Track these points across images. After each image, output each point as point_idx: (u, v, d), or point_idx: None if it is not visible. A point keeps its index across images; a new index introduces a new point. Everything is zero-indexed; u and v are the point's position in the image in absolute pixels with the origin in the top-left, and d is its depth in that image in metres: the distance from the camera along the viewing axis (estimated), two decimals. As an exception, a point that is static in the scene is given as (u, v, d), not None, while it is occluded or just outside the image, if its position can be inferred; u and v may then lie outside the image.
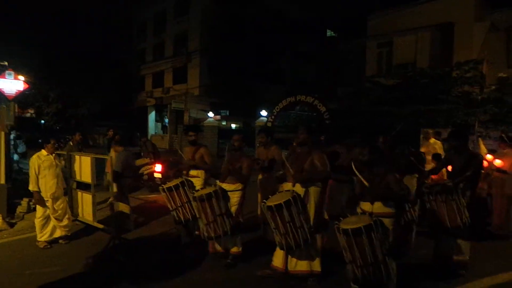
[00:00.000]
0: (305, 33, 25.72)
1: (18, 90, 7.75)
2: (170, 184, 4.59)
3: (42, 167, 5.12)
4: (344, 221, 3.18)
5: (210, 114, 21.91)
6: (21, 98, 16.78)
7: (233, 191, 4.41)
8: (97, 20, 25.85)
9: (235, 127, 25.60)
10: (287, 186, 3.99)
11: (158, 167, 9.31)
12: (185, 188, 4.57)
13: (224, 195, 4.22)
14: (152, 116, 29.50)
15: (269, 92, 22.18)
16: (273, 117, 17.06)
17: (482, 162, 4.64)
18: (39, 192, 5.11)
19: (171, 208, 4.67)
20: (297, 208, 3.53)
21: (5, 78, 7.60)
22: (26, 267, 4.35)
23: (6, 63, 8.68)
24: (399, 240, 3.28)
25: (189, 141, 5.30)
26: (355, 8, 21.98)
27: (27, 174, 5.86)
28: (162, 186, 4.65)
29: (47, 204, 5.14)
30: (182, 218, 4.60)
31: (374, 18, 18.06)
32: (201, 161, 5.15)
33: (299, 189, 3.84)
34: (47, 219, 5.17)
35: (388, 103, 13.12)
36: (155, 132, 28.74)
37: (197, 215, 4.26)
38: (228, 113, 25.97)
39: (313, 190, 3.90)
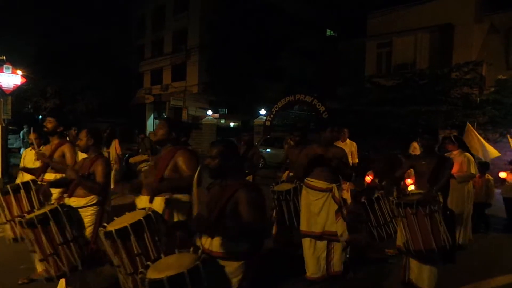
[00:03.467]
0: (305, 32, 25.70)
1: (16, 85, 7.72)
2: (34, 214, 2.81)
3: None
4: (155, 266, 2.02)
5: (209, 112, 21.87)
6: (18, 93, 16.73)
7: (85, 207, 3.19)
8: (95, 14, 25.70)
9: (234, 126, 25.58)
10: (142, 201, 2.88)
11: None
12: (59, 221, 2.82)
13: (70, 215, 2.98)
14: (150, 113, 29.43)
15: (268, 90, 22.15)
16: (272, 116, 17.05)
17: (453, 166, 4.01)
18: None
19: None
20: (152, 233, 2.44)
21: (3, 72, 7.56)
22: (21, 262, 4.30)
23: (4, 57, 8.63)
24: None
25: (46, 132, 4.06)
26: (354, 8, 21.93)
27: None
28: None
29: None
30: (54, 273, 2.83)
31: (374, 18, 18.05)
32: (62, 163, 3.81)
33: (157, 204, 2.76)
34: None
35: (387, 103, 13.14)
36: (153, 129, 28.68)
37: (29, 248, 2.89)
38: (226, 111, 25.95)
39: (177, 204, 2.83)
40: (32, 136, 4.57)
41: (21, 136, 14.67)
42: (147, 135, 19.84)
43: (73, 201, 3.22)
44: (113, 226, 2.45)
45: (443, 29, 15.56)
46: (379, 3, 17.83)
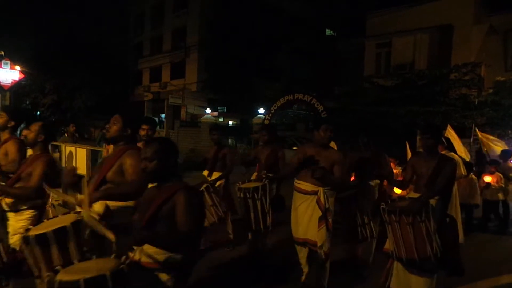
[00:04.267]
0: (304, 31, 25.69)
1: (14, 80, 7.69)
2: None
3: None
4: (66, 269, 1.73)
5: (208, 110, 21.88)
6: (17, 89, 16.70)
7: (20, 211, 2.87)
8: (94, 11, 25.69)
9: (232, 124, 25.58)
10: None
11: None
12: None
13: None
14: (149, 111, 29.41)
15: (266, 89, 22.17)
16: (270, 114, 17.07)
17: (455, 169, 3.62)
18: None
19: None
20: (80, 243, 2.09)
21: (1, 68, 7.52)
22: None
23: (2, 53, 8.59)
24: None
25: None
26: (354, 8, 21.95)
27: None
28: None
29: None
30: None
31: (373, 18, 18.06)
32: (4, 158, 3.32)
33: (97, 206, 2.38)
34: None
35: (386, 103, 13.16)
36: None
37: None
38: (225, 110, 25.95)
39: (119, 209, 2.43)
40: (71, 128, 4.47)
41: (19, 132, 14.64)
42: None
43: (7, 203, 2.86)
44: (37, 230, 2.09)
45: (443, 30, 15.59)
46: (379, 3, 17.84)
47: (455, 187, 5.12)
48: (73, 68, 23.02)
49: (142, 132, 3.98)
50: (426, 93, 12.80)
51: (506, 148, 7.16)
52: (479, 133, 7.66)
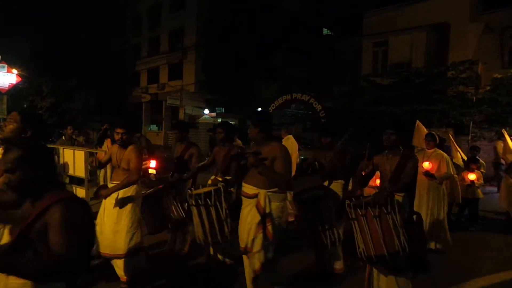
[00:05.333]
0: (301, 31, 25.70)
1: (11, 83, 7.68)
2: None
3: None
4: None
5: (206, 111, 21.88)
6: (14, 92, 16.64)
7: None
8: (91, 12, 25.66)
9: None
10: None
11: (152, 163, 9.25)
12: None
13: None
14: (148, 112, 29.39)
15: (264, 89, 22.17)
16: (268, 114, 17.01)
17: (417, 165, 3.56)
18: None
19: None
20: None
21: (-2, 71, 7.52)
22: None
23: (-1, 56, 8.59)
24: None
25: None
26: (351, 7, 21.98)
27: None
28: None
29: None
30: None
31: (370, 17, 18.10)
32: None
33: None
34: None
35: (383, 102, 13.19)
36: (150, 128, 28.63)
37: None
38: (223, 110, 25.94)
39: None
40: (69, 130, 4.09)
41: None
42: (142, 133, 19.84)
43: None
44: None
45: (439, 28, 15.63)
46: (376, 2, 17.87)
47: (443, 186, 5.09)
48: (70, 70, 23.00)
49: (117, 137, 3.69)
50: (423, 91, 12.83)
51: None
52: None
